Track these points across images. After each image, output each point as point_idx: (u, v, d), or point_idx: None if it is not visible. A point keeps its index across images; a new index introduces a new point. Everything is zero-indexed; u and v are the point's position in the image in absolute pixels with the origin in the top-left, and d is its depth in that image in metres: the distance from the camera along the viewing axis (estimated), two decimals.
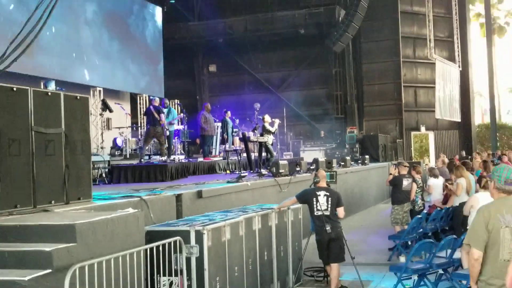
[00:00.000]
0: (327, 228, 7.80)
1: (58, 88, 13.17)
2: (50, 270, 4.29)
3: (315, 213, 7.94)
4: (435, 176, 12.28)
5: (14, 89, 5.76)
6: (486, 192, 7.33)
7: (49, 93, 6.34)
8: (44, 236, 4.69)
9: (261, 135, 14.90)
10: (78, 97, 6.65)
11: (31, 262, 4.38)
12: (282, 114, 26.86)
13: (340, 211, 8.04)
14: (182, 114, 18.59)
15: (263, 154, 15.20)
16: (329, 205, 7.89)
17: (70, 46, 19.57)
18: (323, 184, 8.19)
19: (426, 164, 21.84)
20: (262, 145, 14.81)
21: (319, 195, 7.95)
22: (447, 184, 11.25)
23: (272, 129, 15.20)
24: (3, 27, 15.39)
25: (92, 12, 21.18)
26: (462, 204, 9.95)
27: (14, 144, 5.66)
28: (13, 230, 4.83)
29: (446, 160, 16.58)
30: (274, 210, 8.14)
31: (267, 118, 15.53)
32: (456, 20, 30.69)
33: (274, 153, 15.83)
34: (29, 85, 6.18)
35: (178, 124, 18.94)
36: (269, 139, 15.09)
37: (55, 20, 16.84)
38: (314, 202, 7.92)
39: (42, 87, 13.50)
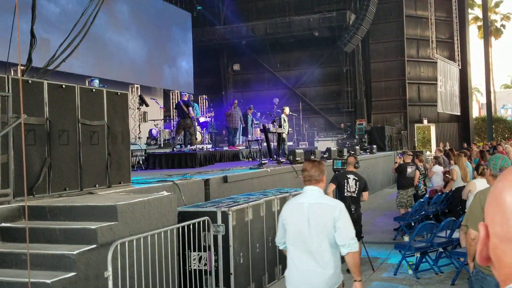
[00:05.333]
0: (352, 209, 7.73)
1: (101, 85, 13.27)
2: (95, 245, 4.35)
3: (345, 194, 7.85)
4: (440, 164, 12.21)
5: (63, 86, 5.83)
6: (483, 178, 7.22)
7: (94, 90, 6.40)
8: (89, 215, 4.75)
9: (280, 126, 14.85)
10: (119, 93, 6.70)
11: (79, 238, 4.45)
12: (298, 108, 26.80)
13: (365, 195, 8.01)
14: (212, 114, 18.77)
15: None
16: (357, 188, 7.86)
17: (111, 48, 19.71)
18: (351, 169, 8.17)
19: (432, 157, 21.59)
20: (280, 136, 14.77)
21: (349, 178, 7.93)
22: (444, 173, 11.26)
23: (285, 124, 14.85)
24: (54, 32, 15.55)
25: (131, 19, 21.28)
26: (457, 189, 9.91)
27: (63, 135, 5.74)
28: (63, 210, 4.91)
29: (442, 149, 16.45)
30: None
31: (287, 110, 15.43)
32: (456, 23, 30.18)
33: (286, 143, 15.59)
34: (75, 82, 6.24)
35: (206, 118, 19.04)
36: (285, 129, 14.96)
37: (99, 25, 16.98)
38: (345, 184, 7.88)
39: (87, 84, 13.62)
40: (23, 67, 6.31)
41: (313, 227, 3.75)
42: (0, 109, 4.90)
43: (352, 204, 7.76)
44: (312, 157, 12.72)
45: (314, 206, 3.80)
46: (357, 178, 7.94)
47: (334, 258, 3.78)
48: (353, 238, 3.79)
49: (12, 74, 8.24)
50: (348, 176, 7.95)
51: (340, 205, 3.85)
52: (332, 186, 8.08)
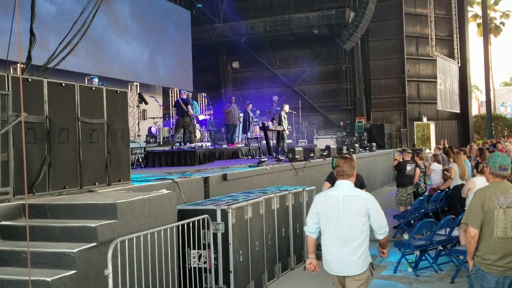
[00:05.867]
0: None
1: (100, 83, 13.26)
2: (95, 243, 4.36)
3: None
4: (438, 162, 12.23)
5: (63, 84, 5.82)
6: (482, 176, 7.25)
7: (93, 88, 6.39)
8: (89, 213, 4.75)
9: (279, 124, 14.87)
10: (118, 91, 6.69)
11: (79, 236, 4.45)
12: (298, 106, 26.85)
13: None
14: (211, 112, 18.80)
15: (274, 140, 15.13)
16: None
17: (111, 46, 19.70)
18: None
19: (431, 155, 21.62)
20: (279, 133, 14.78)
21: None
22: (444, 170, 11.29)
23: (284, 122, 14.92)
24: (52, 30, 15.54)
25: (130, 17, 21.26)
26: (456, 187, 9.95)
27: (63, 133, 5.74)
28: (63, 208, 4.91)
29: (441, 147, 16.46)
30: None
31: (286, 107, 15.45)
32: (456, 20, 30.17)
33: (286, 140, 15.59)
34: (75, 81, 6.24)
35: (205, 115, 19.06)
36: (284, 127, 14.98)
37: (98, 24, 16.97)
38: None
39: (86, 82, 13.61)
40: (23, 65, 6.31)
41: (346, 217, 4.38)
42: (0, 107, 4.90)
43: None
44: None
45: (348, 198, 4.41)
46: None
47: (363, 243, 4.42)
48: (386, 225, 4.51)
49: (12, 72, 8.24)
50: None
51: (371, 197, 4.48)
52: (327, 185, 8.01)
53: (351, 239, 4.37)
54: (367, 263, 4.48)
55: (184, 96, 15.16)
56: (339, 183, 4.53)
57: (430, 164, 12.82)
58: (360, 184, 7.89)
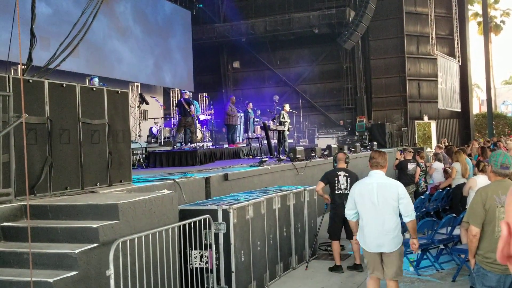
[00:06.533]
0: (345, 205, 7.70)
1: (101, 83, 13.27)
2: (96, 244, 4.35)
3: (336, 192, 7.80)
4: (439, 160, 12.20)
5: (64, 85, 5.82)
6: (483, 175, 7.25)
7: (94, 89, 6.38)
8: (91, 214, 4.75)
9: (280, 123, 14.87)
10: (119, 92, 6.69)
11: (80, 237, 4.44)
12: (298, 105, 26.86)
13: None
14: (212, 112, 18.75)
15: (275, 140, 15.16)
16: (348, 185, 7.74)
17: (111, 47, 19.70)
18: (342, 165, 8.09)
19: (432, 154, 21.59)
20: (280, 133, 14.79)
21: (340, 175, 7.86)
22: (445, 168, 11.26)
23: (285, 121, 14.93)
24: (53, 31, 15.55)
25: (131, 17, 21.26)
26: (458, 186, 9.94)
27: (64, 134, 5.73)
28: (64, 209, 4.90)
29: (442, 146, 16.44)
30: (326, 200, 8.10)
31: (287, 107, 15.43)
32: (456, 19, 30.15)
33: (287, 140, 15.58)
34: (76, 81, 6.23)
35: (206, 115, 19.06)
36: (285, 126, 14.98)
37: (98, 24, 16.97)
38: (336, 182, 7.83)
39: (87, 82, 13.60)
40: (23, 66, 6.30)
41: (380, 201, 5.11)
42: (1, 108, 4.90)
43: (345, 201, 7.69)
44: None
45: (381, 185, 5.16)
46: (347, 174, 7.86)
47: (396, 224, 5.16)
48: (413, 209, 5.18)
49: (13, 73, 8.24)
50: (339, 173, 7.88)
51: (400, 185, 5.26)
52: (321, 184, 7.99)
53: (384, 220, 5.07)
54: (401, 241, 5.15)
55: (186, 96, 15.17)
56: (373, 172, 5.27)
57: (431, 164, 12.80)
58: (355, 181, 7.89)
